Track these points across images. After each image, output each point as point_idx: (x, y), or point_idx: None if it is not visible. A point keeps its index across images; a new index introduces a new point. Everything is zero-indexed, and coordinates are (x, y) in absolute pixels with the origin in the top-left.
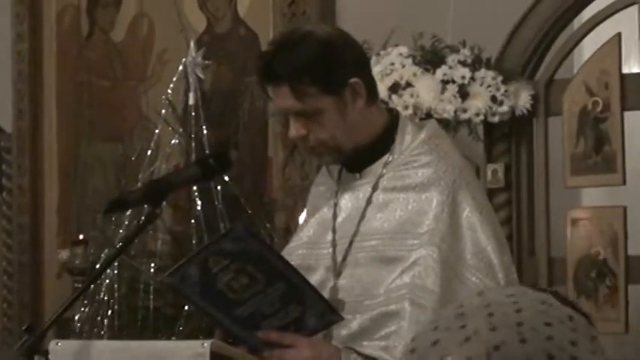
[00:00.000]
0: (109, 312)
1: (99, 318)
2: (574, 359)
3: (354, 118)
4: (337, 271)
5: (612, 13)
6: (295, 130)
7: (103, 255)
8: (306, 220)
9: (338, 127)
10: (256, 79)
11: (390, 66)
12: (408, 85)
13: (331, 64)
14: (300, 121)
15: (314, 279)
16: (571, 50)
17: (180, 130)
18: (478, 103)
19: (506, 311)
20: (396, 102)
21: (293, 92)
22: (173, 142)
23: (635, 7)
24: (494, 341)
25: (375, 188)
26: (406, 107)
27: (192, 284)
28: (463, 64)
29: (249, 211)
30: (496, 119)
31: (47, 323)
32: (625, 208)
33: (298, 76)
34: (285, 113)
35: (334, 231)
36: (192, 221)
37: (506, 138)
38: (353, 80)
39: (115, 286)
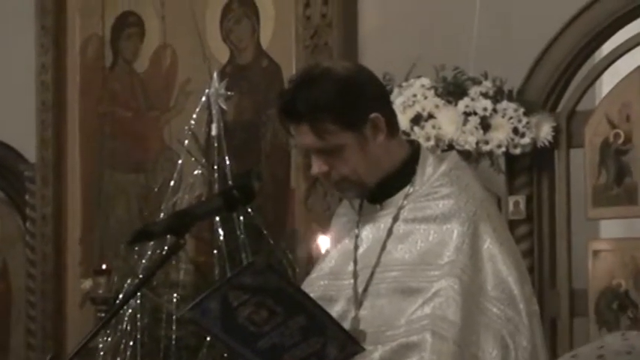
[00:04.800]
0: (132, 342)
1: (122, 347)
2: None
3: (376, 153)
4: (358, 301)
5: (634, 46)
6: (317, 167)
7: (125, 285)
8: (327, 251)
9: (360, 162)
10: (277, 117)
11: (412, 97)
12: (430, 116)
13: (351, 100)
14: (321, 157)
15: (335, 310)
16: (592, 83)
17: (203, 160)
18: (500, 135)
19: None
20: (418, 133)
21: (313, 130)
22: (196, 172)
23: None
24: None
25: (395, 219)
26: (428, 139)
27: (213, 318)
28: (485, 95)
29: (272, 242)
30: (518, 151)
31: (71, 353)
32: None
33: (318, 114)
34: (307, 150)
35: (355, 262)
36: (215, 252)
37: (528, 170)
38: (373, 115)
39: (138, 315)
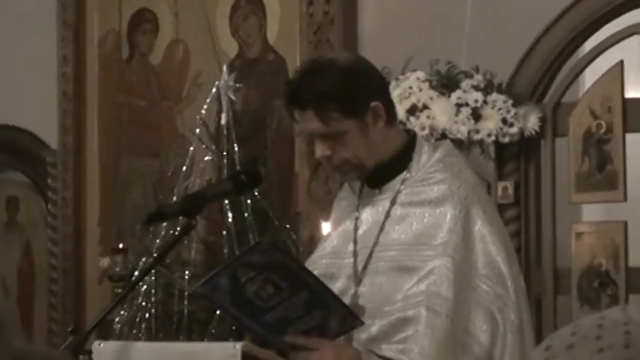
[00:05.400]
0: (147, 315)
1: (137, 321)
2: None
3: (375, 139)
4: (358, 279)
5: (615, 42)
6: (321, 150)
7: (141, 263)
8: (329, 232)
9: (360, 147)
10: (283, 103)
11: (408, 89)
12: (425, 107)
13: (353, 89)
14: (325, 142)
15: (336, 286)
16: (577, 76)
17: (213, 147)
18: (490, 125)
19: None
20: (413, 123)
21: (318, 116)
22: (206, 158)
23: (636, 37)
24: (624, 358)
25: (393, 203)
26: (423, 128)
27: (223, 293)
28: (476, 88)
29: (277, 224)
30: (506, 140)
31: (91, 326)
32: (626, 223)
33: (322, 101)
34: (311, 135)
35: (355, 242)
36: (224, 232)
37: (516, 157)
38: (374, 104)
39: (152, 291)
